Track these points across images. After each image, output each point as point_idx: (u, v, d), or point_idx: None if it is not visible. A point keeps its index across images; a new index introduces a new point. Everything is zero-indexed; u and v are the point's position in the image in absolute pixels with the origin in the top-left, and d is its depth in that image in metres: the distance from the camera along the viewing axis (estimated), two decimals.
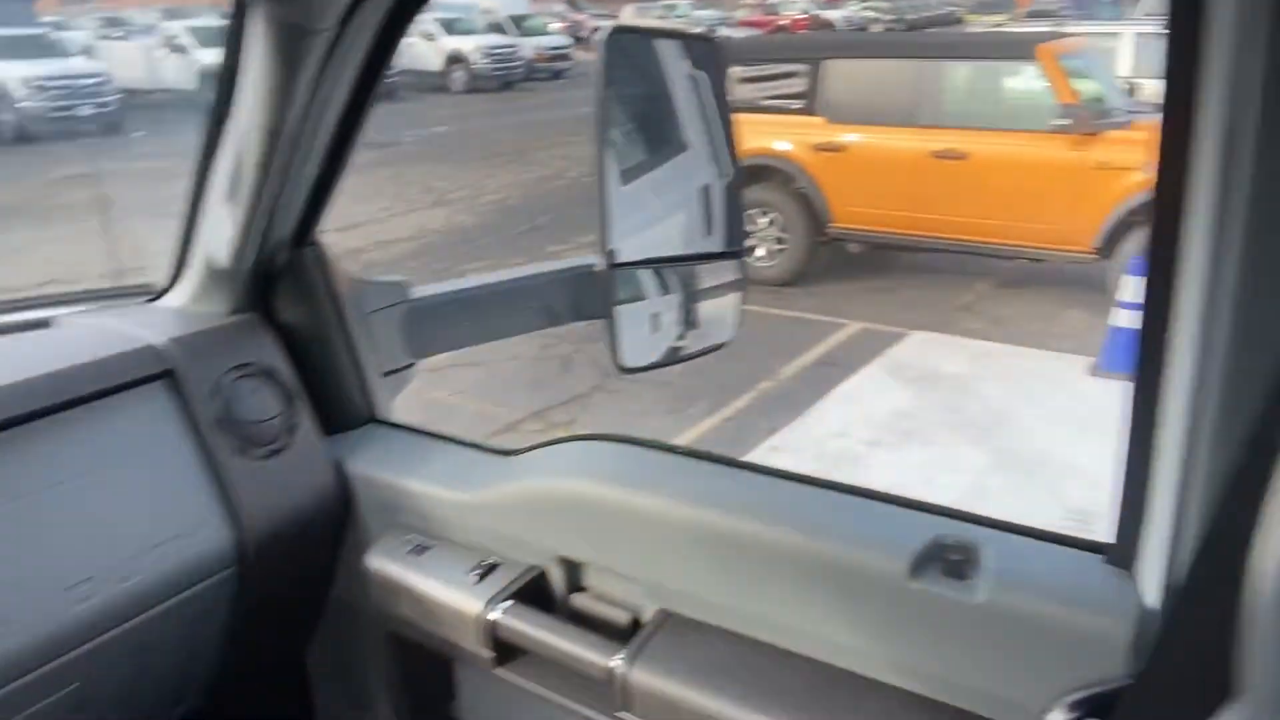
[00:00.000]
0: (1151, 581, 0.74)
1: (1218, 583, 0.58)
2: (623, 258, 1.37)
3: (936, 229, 6.12)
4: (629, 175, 1.35)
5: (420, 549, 1.12)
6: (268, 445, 1.11)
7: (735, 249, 1.51)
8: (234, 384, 1.10)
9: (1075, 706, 0.74)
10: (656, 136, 1.32)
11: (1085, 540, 0.83)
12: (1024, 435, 4.21)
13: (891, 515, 0.91)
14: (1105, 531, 0.80)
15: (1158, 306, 0.69)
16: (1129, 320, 4.76)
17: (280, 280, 1.17)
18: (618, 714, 0.94)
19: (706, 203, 1.46)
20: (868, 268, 6.72)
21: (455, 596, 1.05)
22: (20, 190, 9.96)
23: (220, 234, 1.09)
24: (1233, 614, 0.56)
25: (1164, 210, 0.67)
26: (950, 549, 0.83)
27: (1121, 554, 0.78)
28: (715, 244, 1.48)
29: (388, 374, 1.30)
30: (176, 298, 1.21)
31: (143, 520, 1.01)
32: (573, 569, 1.05)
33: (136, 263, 6.26)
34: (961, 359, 5.10)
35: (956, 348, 5.27)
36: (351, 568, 1.20)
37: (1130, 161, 5.33)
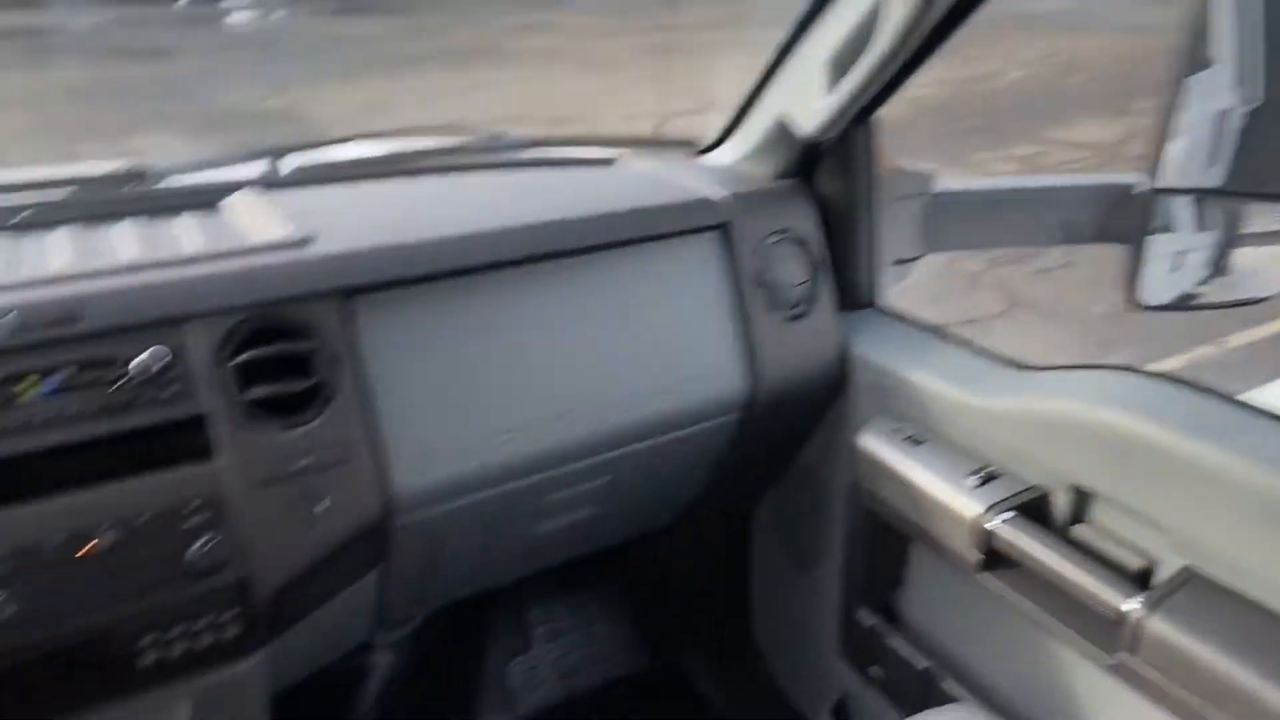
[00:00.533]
0: None
1: None
2: (1170, 182, 1.25)
3: None
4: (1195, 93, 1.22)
5: (914, 440, 1.15)
6: (791, 310, 1.18)
7: None
8: (773, 246, 1.18)
9: None
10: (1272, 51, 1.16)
11: None
12: None
13: None
14: None
15: None
16: None
17: (829, 153, 1.21)
18: (1117, 654, 0.92)
19: None
20: None
21: (951, 495, 1.07)
22: (476, 34, 11.14)
23: (796, 102, 1.14)
24: None
25: None
26: None
27: None
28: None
29: (896, 263, 1.32)
30: (724, 155, 1.31)
31: (679, 354, 1.13)
32: (1082, 499, 1.03)
33: (576, 110, 6.87)
34: None
35: None
36: (832, 440, 1.27)
37: None
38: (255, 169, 1.22)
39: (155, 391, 0.85)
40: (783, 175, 1.24)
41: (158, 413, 0.85)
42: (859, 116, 1.15)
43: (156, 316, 0.86)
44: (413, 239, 0.99)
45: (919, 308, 1.30)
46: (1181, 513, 0.93)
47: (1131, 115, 8.13)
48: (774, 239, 1.18)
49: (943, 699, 1.12)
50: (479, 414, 1.01)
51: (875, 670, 1.26)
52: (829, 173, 1.23)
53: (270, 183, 1.16)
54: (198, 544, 0.84)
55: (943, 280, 4.73)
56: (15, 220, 1.04)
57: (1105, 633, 0.94)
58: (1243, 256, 1.40)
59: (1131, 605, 0.91)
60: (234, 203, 1.09)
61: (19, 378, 0.81)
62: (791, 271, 1.19)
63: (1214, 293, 1.39)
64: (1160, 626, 0.89)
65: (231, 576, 0.86)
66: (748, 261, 1.16)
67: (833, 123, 1.09)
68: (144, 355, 0.84)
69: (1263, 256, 1.40)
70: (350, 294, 0.94)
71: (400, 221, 1.03)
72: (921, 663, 1.18)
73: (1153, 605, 0.90)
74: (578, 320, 1.07)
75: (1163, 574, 0.94)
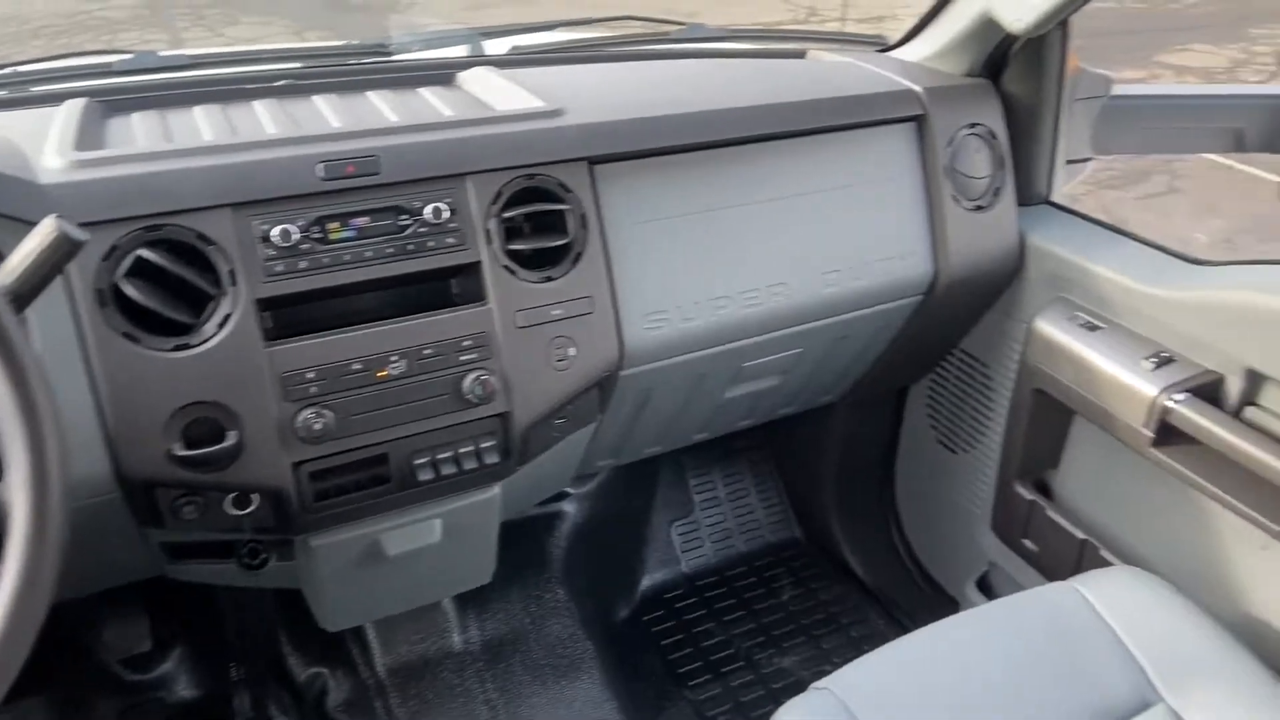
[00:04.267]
0: None
1: None
2: None
3: None
4: None
5: (1090, 326, 1.22)
6: (976, 200, 1.25)
7: None
8: (964, 139, 1.24)
9: None
10: None
11: None
12: None
13: None
14: None
15: None
16: None
17: (1019, 52, 1.26)
18: None
19: None
20: None
21: (1128, 376, 1.15)
22: None
23: (1002, 1, 1.19)
24: None
25: None
26: None
27: None
28: None
29: (1069, 163, 1.37)
30: (913, 52, 1.36)
31: (875, 236, 1.21)
32: (1256, 382, 1.09)
33: None
34: None
35: None
36: (1003, 325, 1.35)
37: None
38: (472, 48, 1.31)
39: (439, 239, 0.96)
40: (972, 73, 1.29)
41: (441, 258, 0.96)
42: (1052, 17, 1.19)
43: (442, 172, 0.96)
44: (649, 115, 1.07)
45: None
46: None
47: (1244, 41, 7.76)
48: (965, 132, 1.24)
49: (1100, 566, 1.21)
50: (699, 280, 1.10)
51: (1027, 543, 1.36)
52: (1017, 71, 1.28)
53: (495, 61, 1.25)
54: (471, 376, 0.96)
55: None
56: (277, 85, 1.15)
57: (1275, 504, 1.02)
58: None
59: None
60: (471, 77, 1.18)
61: (330, 219, 0.92)
62: (979, 164, 1.25)
63: None
64: None
65: (497, 408, 0.98)
66: (941, 153, 1.22)
67: (1046, 19, 1.13)
68: (431, 206, 0.95)
69: None
70: (597, 162, 1.04)
71: (632, 100, 1.11)
72: (1079, 534, 1.27)
73: None
74: (789, 199, 1.15)
75: None
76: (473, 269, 0.97)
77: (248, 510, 0.92)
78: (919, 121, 1.22)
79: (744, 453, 1.79)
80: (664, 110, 1.09)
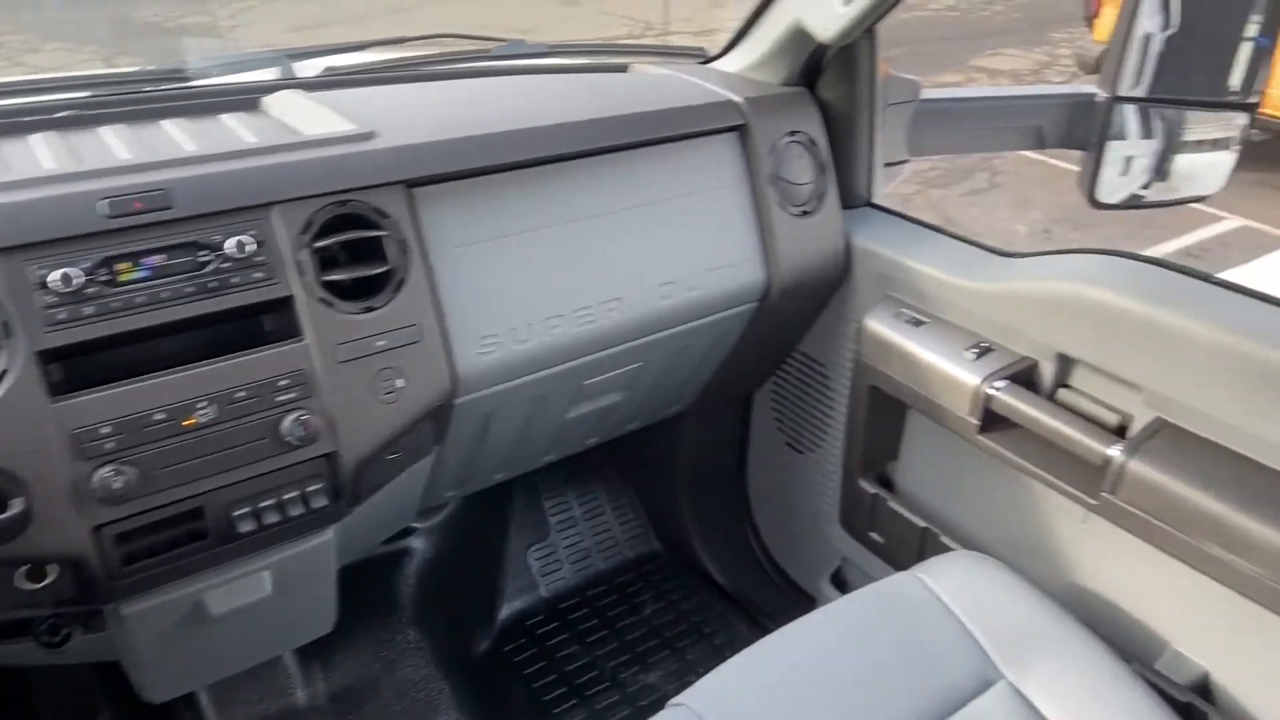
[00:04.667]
0: None
1: None
2: (1126, 91, 1.37)
3: None
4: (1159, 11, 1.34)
5: (915, 321, 1.27)
6: (801, 206, 1.28)
7: (1246, 101, 1.46)
8: (786, 146, 1.27)
9: None
10: None
11: None
12: None
13: None
14: None
15: None
16: None
17: (834, 60, 1.30)
18: (1103, 494, 1.07)
19: (1224, 47, 1.41)
20: (1266, 160, 5.93)
21: (952, 367, 1.20)
22: None
23: (814, 10, 1.22)
24: None
25: None
26: None
27: None
28: (1225, 93, 1.44)
29: (887, 165, 1.42)
30: (732, 63, 1.38)
31: (707, 246, 1.22)
32: (1066, 365, 1.16)
33: None
34: None
35: None
36: (836, 325, 1.39)
37: None
38: (280, 71, 1.24)
39: (245, 274, 0.90)
40: (789, 82, 1.33)
41: (248, 294, 0.90)
42: (874, 22, 1.23)
43: (244, 203, 0.90)
44: (468, 134, 1.04)
45: None
46: (1153, 373, 1.07)
47: (1046, 45, 8.39)
48: (786, 140, 1.27)
49: (941, 552, 1.26)
50: (530, 300, 1.08)
51: (874, 536, 1.40)
52: (832, 79, 1.32)
53: (305, 84, 1.19)
54: (291, 417, 0.90)
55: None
56: (59, 117, 1.06)
57: (1090, 478, 1.08)
58: (1180, 162, 1.54)
59: (1113, 451, 1.05)
60: (277, 101, 1.12)
61: (118, 260, 0.85)
62: (801, 171, 1.28)
63: (1152, 195, 1.54)
64: (1137, 468, 1.03)
65: (322, 448, 0.93)
66: (764, 161, 1.25)
67: (853, 28, 1.17)
68: (233, 240, 0.89)
69: (1197, 162, 1.55)
70: (414, 185, 1.00)
71: (449, 120, 1.08)
72: (920, 523, 1.32)
73: (1131, 451, 1.04)
74: (617, 214, 1.14)
75: (1137, 426, 1.09)
76: (285, 304, 0.92)
77: (44, 583, 0.84)
78: (741, 131, 1.24)
79: (597, 470, 1.78)
80: (483, 129, 1.06)
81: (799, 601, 1.58)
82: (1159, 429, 1.06)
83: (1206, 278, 1.11)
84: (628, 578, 1.70)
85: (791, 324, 1.40)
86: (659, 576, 1.71)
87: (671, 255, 1.19)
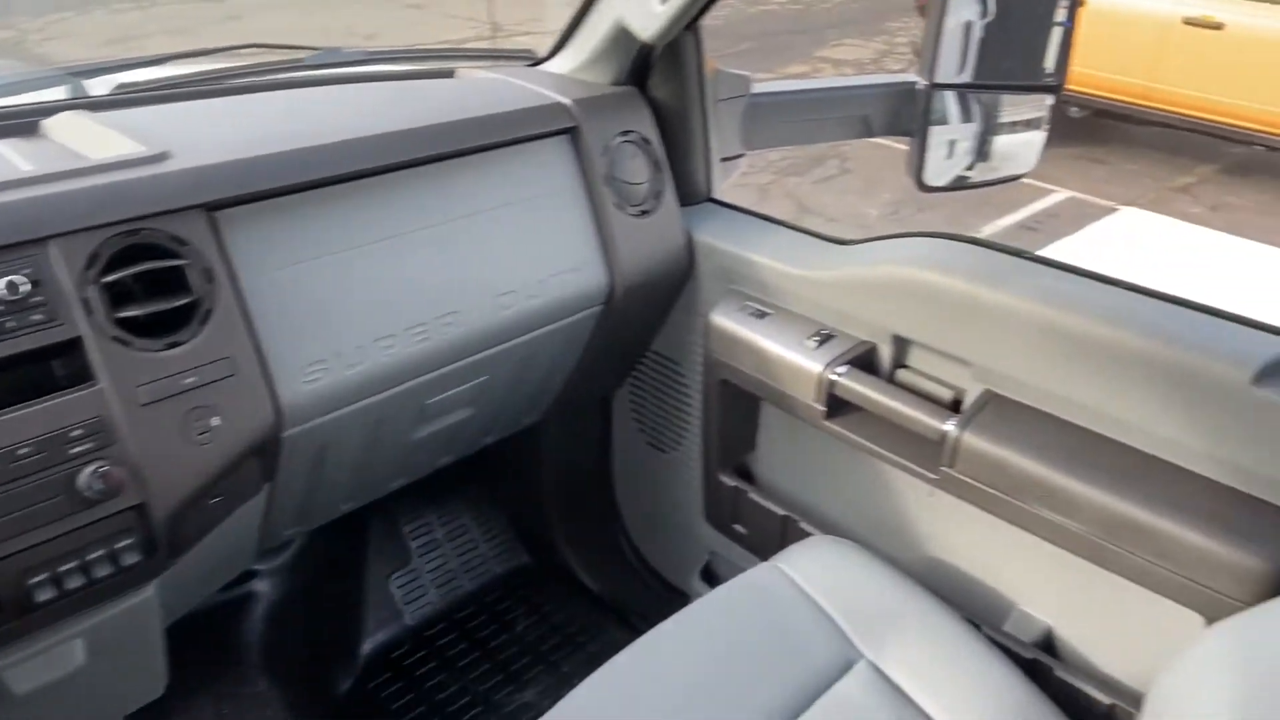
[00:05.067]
0: None
1: None
2: (942, 78, 1.42)
3: (1170, 102, 5.69)
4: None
5: (759, 314, 1.28)
6: (639, 205, 1.27)
7: (1053, 83, 1.53)
8: (619, 147, 1.25)
9: None
10: None
11: None
12: None
13: (1235, 331, 0.99)
14: None
15: None
16: None
17: (661, 58, 1.29)
18: (942, 468, 1.10)
19: (1034, 32, 1.48)
20: (1085, 135, 6.35)
21: (796, 356, 1.21)
22: None
23: (635, 8, 1.21)
24: None
25: None
26: None
27: None
28: (1033, 75, 1.51)
29: (723, 160, 1.43)
30: (561, 64, 1.35)
31: (545, 253, 1.19)
32: (902, 346, 1.19)
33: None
34: (1170, 242, 4.86)
35: (1167, 230, 5.01)
36: (685, 322, 1.38)
37: None
38: (65, 90, 1.14)
39: (20, 318, 0.81)
40: (618, 81, 1.31)
41: (27, 339, 0.81)
42: (693, 20, 1.23)
43: (15, 239, 0.82)
44: (274, 150, 0.98)
45: None
46: (979, 348, 1.11)
47: (885, 35, 8.73)
48: (619, 140, 1.25)
49: (802, 539, 1.28)
50: (358, 321, 1.02)
51: (738, 528, 1.41)
52: (661, 77, 1.31)
53: (93, 104, 1.10)
54: (89, 470, 0.82)
55: (736, 193, 5.00)
56: None
57: (930, 454, 1.12)
58: (999, 143, 1.62)
59: (948, 426, 1.08)
60: (59, 124, 1.03)
61: None
62: (637, 170, 1.27)
63: (977, 175, 1.60)
64: (970, 440, 1.07)
65: (128, 500, 0.85)
66: (597, 162, 1.23)
67: (671, 26, 1.16)
68: (4, 281, 0.80)
69: (1014, 142, 1.62)
70: (215, 208, 0.93)
71: (255, 136, 1.01)
72: (779, 512, 1.33)
73: (963, 425, 1.08)
74: (448, 225, 1.10)
75: (969, 400, 1.13)
76: (73, 346, 0.83)
77: None
78: (571, 133, 1.22)
79: (458, 489, 1.72)
80: (292, 144, 1.00)
81: (672, 600, 1.57)
82: (988, 401, 1.10)
83: (1021, 254, 1.16)
84: (498, 595, 1.65)
85: (640, 324, 1.39)
86: (530, 590, 1.67)
87: (509, 264, 1.15)
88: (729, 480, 1.38)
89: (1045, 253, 4.65)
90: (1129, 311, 1.03)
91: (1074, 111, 6.24)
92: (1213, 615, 0.94)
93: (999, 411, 1.09)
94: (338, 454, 1.11)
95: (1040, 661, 1.10)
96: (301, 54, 1.29)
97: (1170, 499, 0.97)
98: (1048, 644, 1.15)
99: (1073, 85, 5.99)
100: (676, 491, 1.51)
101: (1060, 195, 5.38)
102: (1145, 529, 0.96)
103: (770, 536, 1.35)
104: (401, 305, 1.06)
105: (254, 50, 1.30)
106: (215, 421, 0.90)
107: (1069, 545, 1.03)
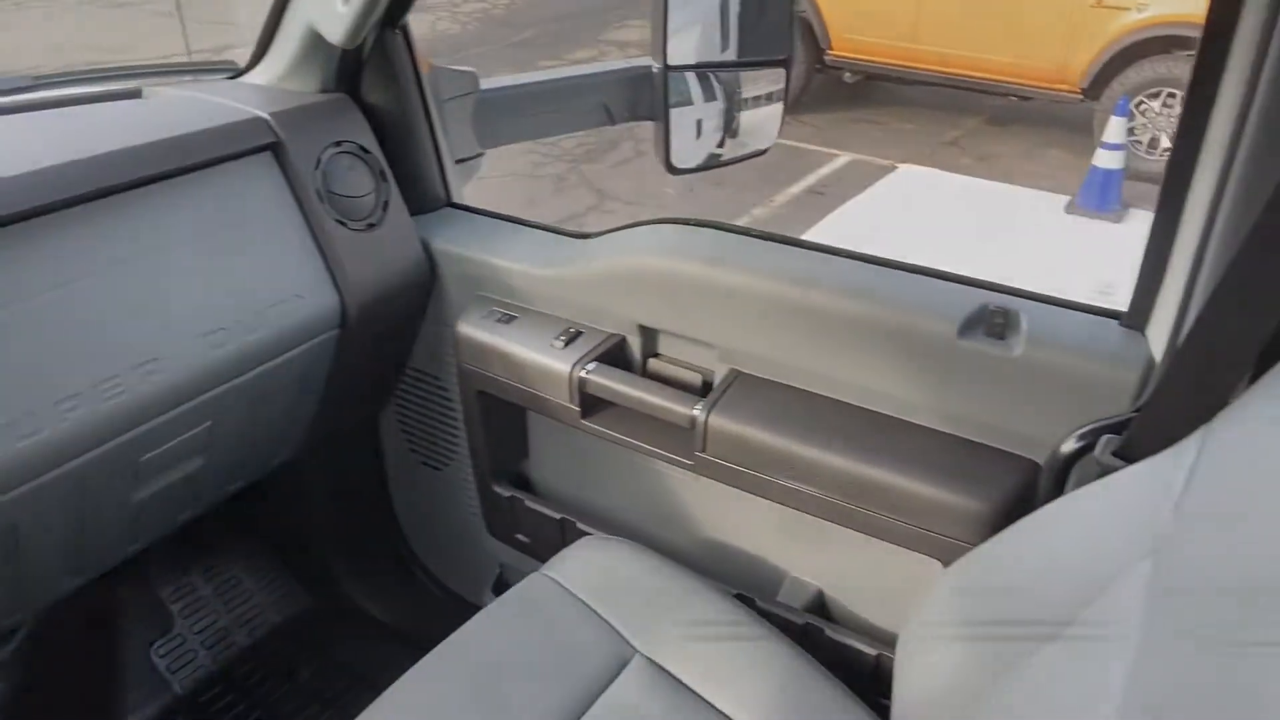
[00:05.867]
0: (1160, 340, 0.89)
1: (1216, 337, 0.71)
2: (675, 60, 1.43)
3: (932, 62, 6.07)
4: None
5: (506, 318, 1.24)
6: (364, 219, 1.20)
7: (780, 57, 1.57)
8: (333, 159, 1.18)
9: (1085, 435, 0.89)
10: None
11: (1106, 308, 0.97)
12: (997, 264, 4.38)
13: (941, 287, 1.04)
14: (1124, 302, 0.94)
15: (1196, 110, 0.80)
16: (1110, 161, 4.88)
17: (370, 62, 1.22)
18: (696, 453, 1.10)
19: (757, 9, 1.51)
20: (860, 99, 6.69)
21: (545, 358, 1.18)
22: None
23: (320, 11, 1.13)
24: (1227, 359, 0.69)
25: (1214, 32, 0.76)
26: (994, 314, 0.97)
27: (1136, 318, 0.92)
28: (760, 51, 1.54)
29: (459, 161, 1.38)
30: (263, 75, 1.26)
31: (263, 280, 1.10)
32: (650, 336, 1.19)
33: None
34: (945, 193, 5.20)
35: (941, 182, 5.36)
36: (436, 334, 1.33)
37: (1127, 1, 5.29)
38: None
39: None
40: (326, 89, 1.23)
41: None
42: (386, 19, 1.17)
43: None
44: None
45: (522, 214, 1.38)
46: (720, 329, 1.12)
47: None
48: (332, 152, 1.18)
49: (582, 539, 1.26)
50: (33, 383, 0.91)
51: (521, 537, 1.37)
52: (373, 82, 1.24)
53: None
54: None
55: (533, 184, 4.95)
56: None
57: (684, 440, 1.12)
58: (745, 119, 1.64)
59: (696, 411, 1.09)
60: None
61: None
62: (357, 183, 1.20)
63: (728, 151, 1.63)
64: (717, 421, 1.08)
65: None
66: (309, 178, 1.15)
67: (358, 27, 1.10)
68: None
69: (758, 117, 1.66)
70: None
71: None
72: (555, 516, 1.30)
73: (709, 407, 1.08)
74: (137, 263, 0.99)
75: (716, 381, 1.14)
76: None
77: None
78: (274, 149, 1.13)
79: (221, 540, 1.60)
80: None
81: (468, 618, 1.53)
82: (733, 380, 1.12)
83: (749, 232, 1.18)
84: (278, 645, 1.55)
85: (389, 342, 1.32)
86: (314, 633, 1.58)
87: (215, 299, 1.06)
88: (504, 490, 1.35)
89: (835, 215, 4.87)
90: (848, 278, 1.06)
91: (849, 77, 6.56)
92: (948, 560, 0.98)
93: (742, 390, 1.10)
94: (39, 533, 0.99)
95: (812, 625, 1.13)
96: None
97: (900, 454, 1.01)
98: (820, 607, 1.18)
99: (845, 52, 6.30)
100: (458, 508, 1.46)
101: (843, 159, 5.64)
102: (881, 486, 1.00)
103: (552, 542, 1.33)
104: (86, 359, 0.95)
105: None
106: None
107: (819, 511, 1.05)
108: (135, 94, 1.23)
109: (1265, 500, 0.51)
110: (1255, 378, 0.64)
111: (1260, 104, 0.73)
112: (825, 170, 5.47)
